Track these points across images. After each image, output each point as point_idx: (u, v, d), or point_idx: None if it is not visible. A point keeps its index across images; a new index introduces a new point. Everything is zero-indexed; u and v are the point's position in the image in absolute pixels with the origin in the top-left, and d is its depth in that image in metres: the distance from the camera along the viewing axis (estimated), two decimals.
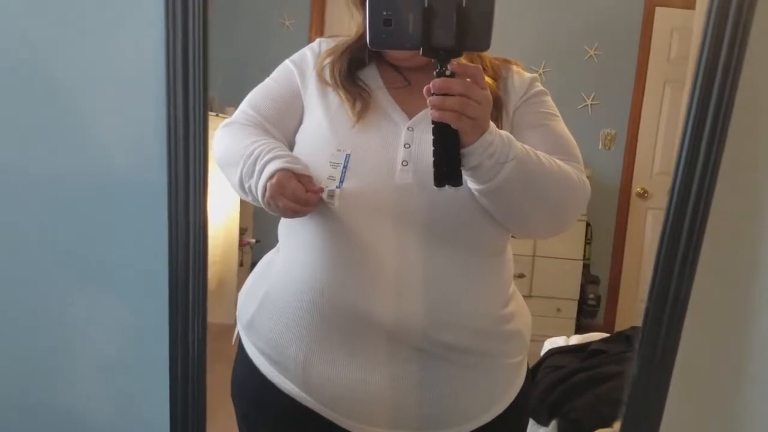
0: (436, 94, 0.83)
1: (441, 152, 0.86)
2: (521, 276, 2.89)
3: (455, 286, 0.99)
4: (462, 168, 0.88)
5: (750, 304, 0.88)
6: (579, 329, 2.85)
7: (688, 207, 0.82)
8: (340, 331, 0.99)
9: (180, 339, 0.92)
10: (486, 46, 0.85)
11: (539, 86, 1.10)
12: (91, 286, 0.98)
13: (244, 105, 1.09)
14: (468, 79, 0.83)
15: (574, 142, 1.05)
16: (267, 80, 1.11)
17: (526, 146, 0.93)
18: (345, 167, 0.97)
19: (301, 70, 1.09)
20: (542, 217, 1.01)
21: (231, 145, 1.03)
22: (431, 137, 0.86)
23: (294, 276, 1.02)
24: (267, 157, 0.95)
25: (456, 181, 0.87)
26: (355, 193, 0.97)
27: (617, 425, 0.93)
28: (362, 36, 0.99)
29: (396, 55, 1.05)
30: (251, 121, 1.06)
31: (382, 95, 1.04)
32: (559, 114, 1.08)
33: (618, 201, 2.84)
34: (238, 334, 1.13)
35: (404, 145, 0.98)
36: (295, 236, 1.04)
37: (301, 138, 1.06)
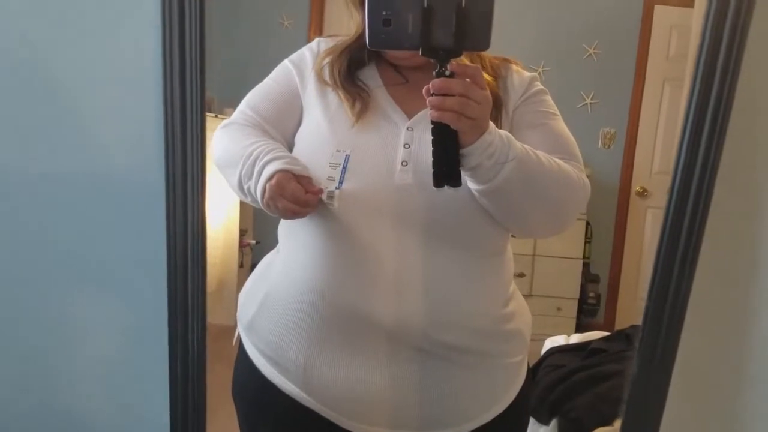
0: (436, 95, 0.82)
1: (440, 153, 0.86)
2: (521, 275, 2.89)
3: (455, 286, 0.99)
4: (461, 168, 0.88)
5: (750, 303, 0.88)
6: (579, 328, 2.85)
7: (688, 206, 0.82)
8: (341, 331, 0.99)
9: (180, 339, 0.92)
10: (485, 46, 0.85)
11: (539, 85, 1.10)
12: (91, 285, 0.98)
13: (243, 105, 1.09)
14: (467, 79, 0.83)
15: (573, 141, 1.05)
16: (266, 80, 1.11)
17: (525, 146, 0.93)
18: (344, 168, 0.97)
19: (300, 70, 1.09)
20: (542, 217, 1.01)
21: (230, 146, 1.03)
22: (431, 137, 0.86)
23: (294, 277, 1.02)
24: (266, 158, 0.95)
25: (455, 181, 0.87)
26: (354, 193, 0.97)
27: (618, 424, 0.93)
28: (361, 36, 0.99)
29: (395, 54, 1.05)
30: (250, 122, 1.06)
31: (381, 95, 1.04)
32: (558, 113, 1.08)
33: (617, 200, 2.85)
34: (238, 335, 1.13)
35: (404, 146, 0.98)
36: (295, 237, 1.04)
37: (300, 138, 1.06)
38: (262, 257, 1.16)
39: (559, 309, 2.94)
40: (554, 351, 2.13)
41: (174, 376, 0.93)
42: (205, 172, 0.88)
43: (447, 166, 0.87)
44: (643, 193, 2.78)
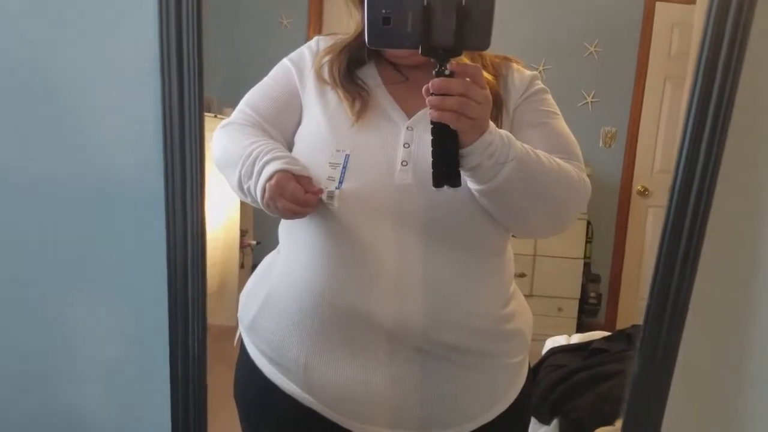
0: (435, 94, 0.82)
1: (440, 152, 0.86)
2: (522, 275, 2.89)
3: (455, 286, 0.98)
4: (461, 168, 0.88)
5: (751, 302, 0.88)
6: (580, 328, 2.85)
7: (689, 205, 0.82)
8: (341, 331, 0.99)
9: (180, 340, 0.92)
10: (486, 45, 0.84)
11: (540, 84, 1.09)
12: (91, 286, 0.98)
13: (242, 105, 1.09)
14: (467, 79, 0.83)
15: (574, 140, 1.05)
16: (265, 79, 1.11)
17: (525, 145, 0.93)
18: (344, 168, 0.97)
19: (300, 68, 1.09)
20: (542, 217, 1.00)
21: (229, 146, 1.03)
22: (431, 137, 0.86)
23: (294, 277, 1.02)
24: (266, 158, 0.95)
25: (455, 181, 0.87)
26: (354, 193, 0.97)
27: (619, 423, 0.93)
28: (361, 34, 0.99)
29: (395, 53, 1.04)
30: (249, 121, 1.06)
31: (381, 94, 1.04)
32: (559, 112, 1.08)
33: (618, 199, 2.84)
34: (239, 335, 1.13)
35: (404, 145, 0.98)
36: (295, 237, 1.04)
37: (300, 138, 1.06)
38: (263, 258, 1.15)
39: (559, 309, 2.93)
40: (555, 351, 2.13)
41: (175, 377, 0.93)
42: (205, 173, 0.88)
43: (446, 166, 0.86)
44: (644, 193, 2.78)
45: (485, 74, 0.94)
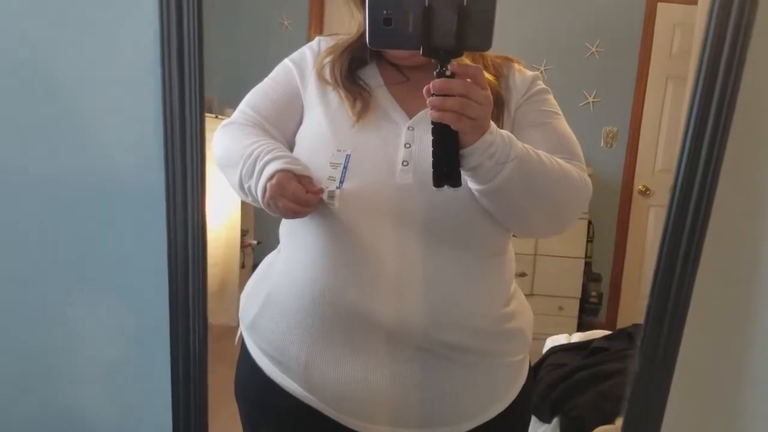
0: (436, 95, 0.82)
1: (440, 153, 0.86)
2: (523, 275, 2.89)
3: (455, 286, 0.98)
4: (462, 168, 0.87)
5: (752, 301, 0.88)
6: (581, 327, 2.85)
7: (690, 204, 0.82)
8: (342, 331, 0.99)
9: (181, 339, 0.92)
10: (487, 46, 0.84)
11: (541, 84, 1.09)
12: (91, 286, 0.98)
13: (243, 105, 1.09)
14: (468, 80, 0.83)
15: (575, 140, 1.05)
16: (266, 80, 1.11)
17: (526, 145, 0.92)
18: (345, 168, 0.97)
19: (301, 69, 1.09)
20: (543, 217, 1.00)
21: (230, 146, 1.03)
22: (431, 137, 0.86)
23: (295, 277, 1.02)
24: (267, 158, 0.95)
25: (455, 181, 0.87)
26: (355, 193, 0.97)
27: (619, 422, 0.93)
28: (363, 35, 0.98)
29: (396, 53, 1.04)
30: (251, 121, 1.06)
31: (382, 94, 1.04)
32: (560, 112, 1.08)
33: (620, 199, 2.84)
34: (240, 334, 1.13)
35: (404, 145, 0.98)
36: (296, 237, 1.04)
37: (300, 138, 1.06)
38: (264, 257, 1.16)
39: (560, 308, 2.93)
40: (556, 350, 2.13)
41: (176, 377, 0.93)
42: (205, 173, 0.88)
43: (447, 166, 0.86)
44: (645, 192, 2.78)
45: (486, 75, 0.93)
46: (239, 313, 1.14)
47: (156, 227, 0.90)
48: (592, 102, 3.02)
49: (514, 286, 1.10)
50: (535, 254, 2.94)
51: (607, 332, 2.20)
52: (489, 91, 0.85)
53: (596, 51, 3.04)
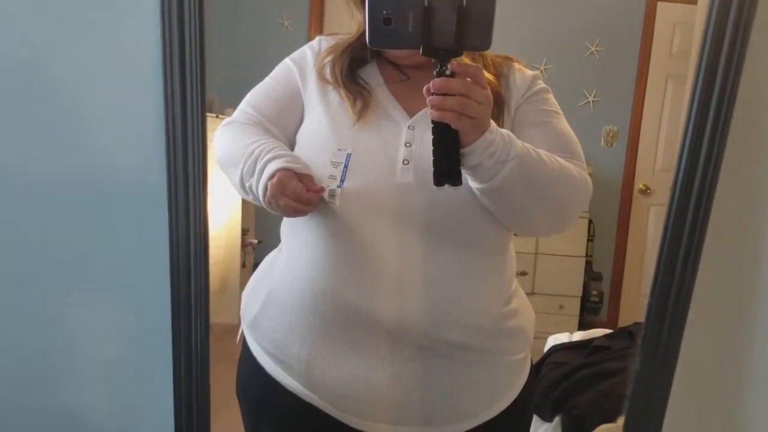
0: (436, 94, 0.82)
1: (441, 152, 0.86)
2: (524, 273, 2.89)
3: (456, 285, 0.98)
4: (462, 167, 0.88)
5: (753, 300, 0.88)
6: (582, 326, 2.85)
7: (691, 203, 0.82)
8: (343, 330, 0.99)
9: (183, 339, 0.92)
10: (486, 45, 0.84)
11: (541, 84, 1.09)
12: (92, 286, 0.98)
13: (244, 104, 1.09)
14: (468, 79, 0.83)
15: (576, 139, 1.05)
16: (267, 79, 1.11)
17: (527, 144, 0.93)
18: (346, 166, 0.97)
19: (301, 68, 1.09)
20: (543, 216, 1.00)
21: (231, 145, 1.03)
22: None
23: (296, 275, 1.02)
24: (268, 157, 0.95)
25: (456, 180, 0.87)
26: (356, 192, 0.97)
27: (621, 421, 0.93)
28: (363, 34, 0.99)
29: (396, 53, 1.05)
30: (251, 120, 1.06)
31: (382, 93, 1.04)
32: (561, 111, 1.08)
33: (620, 198, 2.84)
34: (242, 333, 1.14)
35: (405, 144, 0.98)
36: (297, 236, 1.04)
37: (301, 137, 1.06)
38: (264, 256, 1.16)
39: (561, 307, 2.94)
40: (557, 348, 2.13)
41: (178, 376, 0.93)
42: (207, 172, 0.88)
43: (447, 165, 0.86)
44: (645, 191, 2.78)
45: (486, 74, 0.94)
46: (240, 312, 1.14)
47: (156, 227, 0.90)
48: (592, 101, 3.02)
49: (515, 284, 1.10)
50: (535, 253, 2.94)
51: (608, 331, 2.20)
52: (489, 91, 0.85)
53: (596, 50, 3.04)
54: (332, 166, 0.98)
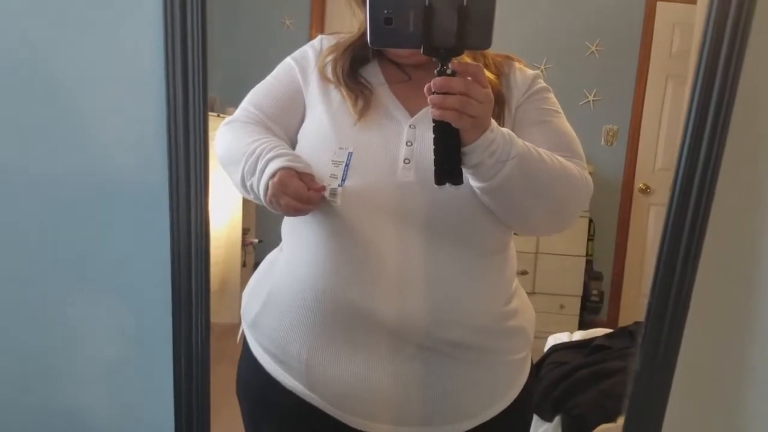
0: (437, 93, 0.82)
1: (441, 151, 0.86)
2: (524, 273, 2.89)
3: (457, 284, 0.98)
4: (463, 166, 0.88)
5: (753, 299, 0.88)
6: (582, 325, 2.85)
7: (690, 202, 0.82)
8: (343, 329, 0.99)
9: (183, 339, 0.92)
10: (487, 45, 0.84)
11: (542, 83, 1.09)
12: (93, 286, 0.98)
13: (246, 103, 1.09)
14: (469, 78, 0.83)
15: (576, 138, 1.05)
16: (268, 78, 1.11)
17: (527, 143, 0.93)
18: (347, 165, 0.97)
19: (303, 67, 1.09)
20: (544, 215, 1.00)
21: (233, 144, 1.03)
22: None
23: (297, 275, 1.02)
24: (269, 156, 0.95)
25: (457, 179, 0.87)
26: (357, 191, 0.97)
27: (621, 420, 0.93)
28: (364, 34, 0.99)
29: (397, 52, 1.05)
30: (253, 119, 1.06)
31: (383, 92, 1.04)
32: (561, 111, 1.08)
33: (620, 197, 2.84)
34: (242, 332, 1.14)
35: (406, 143, 0.98)
36: (297, 235, 1.04)
37: (303, 136, 1.06)
38: (265, 256, 1.16)
39: (561, 306, 2.93)
40: (557, 348, 2.13)
41: (178, 376, 0.93)
42: (208, 172, 0.88)
43: (448, 164, 0.86)
44: (646, 190, 2.78)
45: (487, 73, 0.94)
46: (241, 312, 1.14)
47: (156, 227, 0.90)
48: (593, 101, 3.02)
49: (516, 284, 1.11)
50: (536, 252, 2.94)
51: (608, 330, 2.20)
52: (489, 90, 0.85)
53: (596, 50, 3.04)
54: (333, 165, 0.98)
